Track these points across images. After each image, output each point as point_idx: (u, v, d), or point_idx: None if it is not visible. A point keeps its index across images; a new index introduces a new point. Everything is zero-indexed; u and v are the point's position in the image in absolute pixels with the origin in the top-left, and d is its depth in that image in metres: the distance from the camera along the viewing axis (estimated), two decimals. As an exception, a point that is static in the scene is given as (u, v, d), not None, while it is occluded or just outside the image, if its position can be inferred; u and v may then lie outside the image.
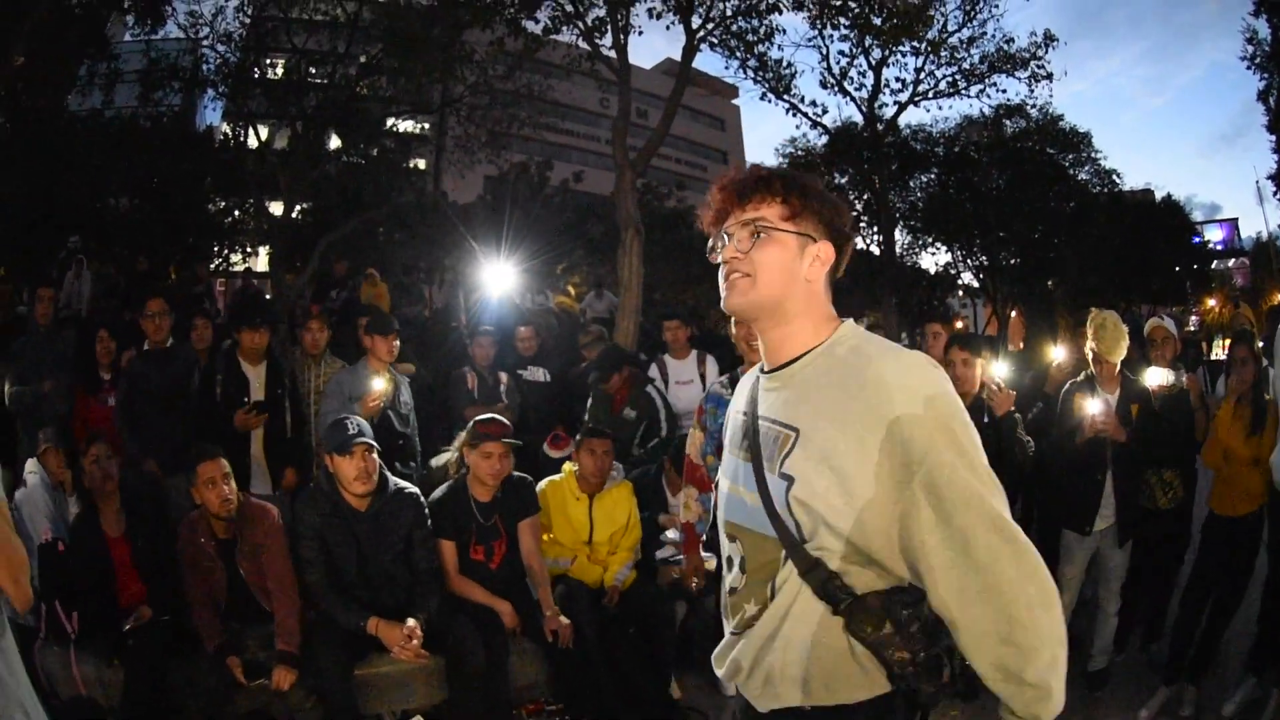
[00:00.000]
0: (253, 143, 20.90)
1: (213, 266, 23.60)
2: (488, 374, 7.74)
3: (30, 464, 5.86)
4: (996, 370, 5.24)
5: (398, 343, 6.70)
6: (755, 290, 2.04)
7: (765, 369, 2.17)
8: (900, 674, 1.94)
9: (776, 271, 2.04)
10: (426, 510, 5.23)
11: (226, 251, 25.55)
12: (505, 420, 5.62)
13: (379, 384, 6.24)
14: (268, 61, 18.70)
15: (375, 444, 5.01)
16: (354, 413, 5.63)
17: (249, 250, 25.79)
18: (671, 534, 6.09)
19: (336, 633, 4.80)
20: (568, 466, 6.03)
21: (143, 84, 18.83)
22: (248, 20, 17.90)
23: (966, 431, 1.89)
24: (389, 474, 5.17)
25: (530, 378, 8.19)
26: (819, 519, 1.92)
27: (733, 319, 2.77)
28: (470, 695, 4.83)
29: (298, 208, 18.92)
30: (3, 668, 2.31)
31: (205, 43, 17.97)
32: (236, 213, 24.71)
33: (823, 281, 2.10)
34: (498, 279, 11.40)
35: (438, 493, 5.46)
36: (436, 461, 6.41)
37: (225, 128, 23.65)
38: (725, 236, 2.10)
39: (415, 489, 5.26)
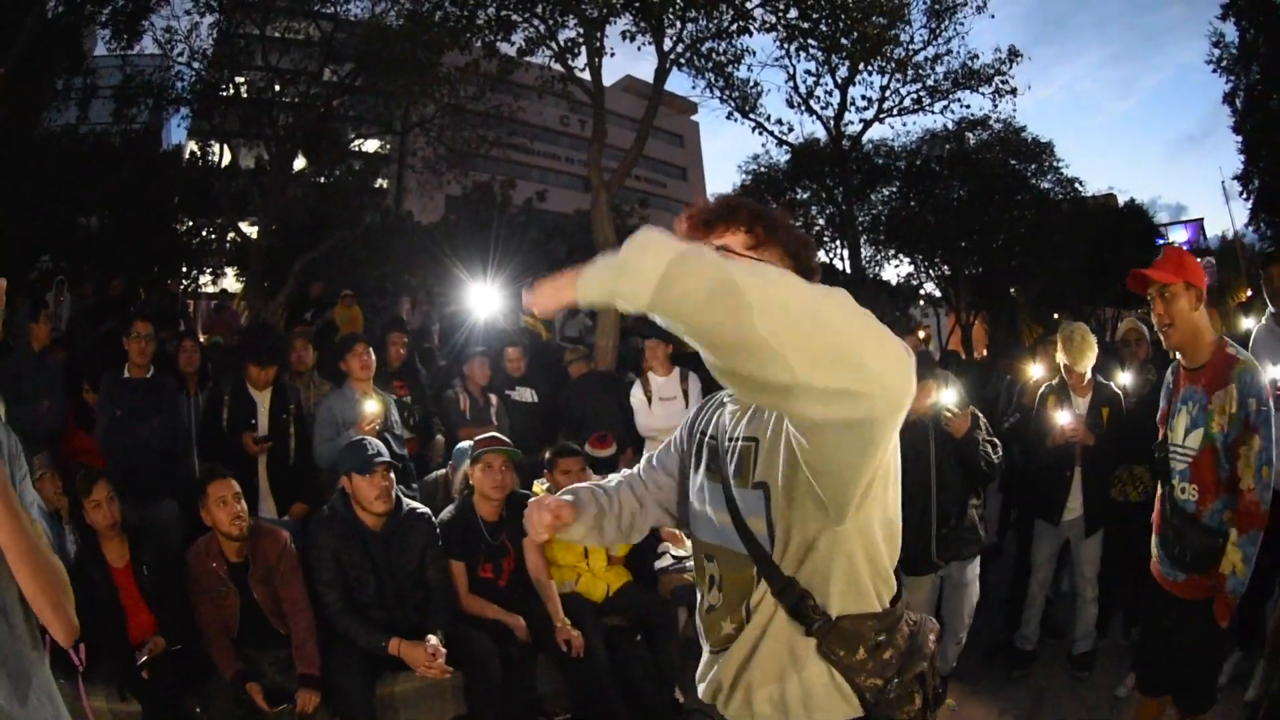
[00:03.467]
0: (220, 161, 20.90)
1: (182, 286, 23.53)
2: (479, 395, 7.84)
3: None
4: (946, 397, 5.45)
5: (371, 355, 6.80)
6: None
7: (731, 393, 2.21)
8: (873, 700, 1.97)
9: None
10: (438, 530, 5.37)
11: (195, 272, 25.45)
12: (503, 436, 5.79)
13: (371, 406, 6.31)
14: (240, 80, 18.58)
15: (395, 463, 5.18)
16: (350, 437, 5.77)
17: (218, 271, 25.64)
18: (672, 548, 6.26)
19: (355, 653, 4.87)
20: (538, 486, 6.00)
21: (117, 100, 18.73)
22: (220, 37, 17.86)
23: None
24: (402, 495, 5.30)
25: (518, 398, 8.28)
26: (791, 526, 1.95)
27: None
28: (489, 709, 4.94)
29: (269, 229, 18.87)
30: (49, 707, 2.21)
31: (180, 60, 17.93)
32: (204, 232, 24.65)
33: None
34: (481, 300, 11.44)
35: (445, 514, 5.59)
36: (429, 478, 6.61)
37: (192, 146, 23.51)
38: None
39: (426, 509, 5.40)
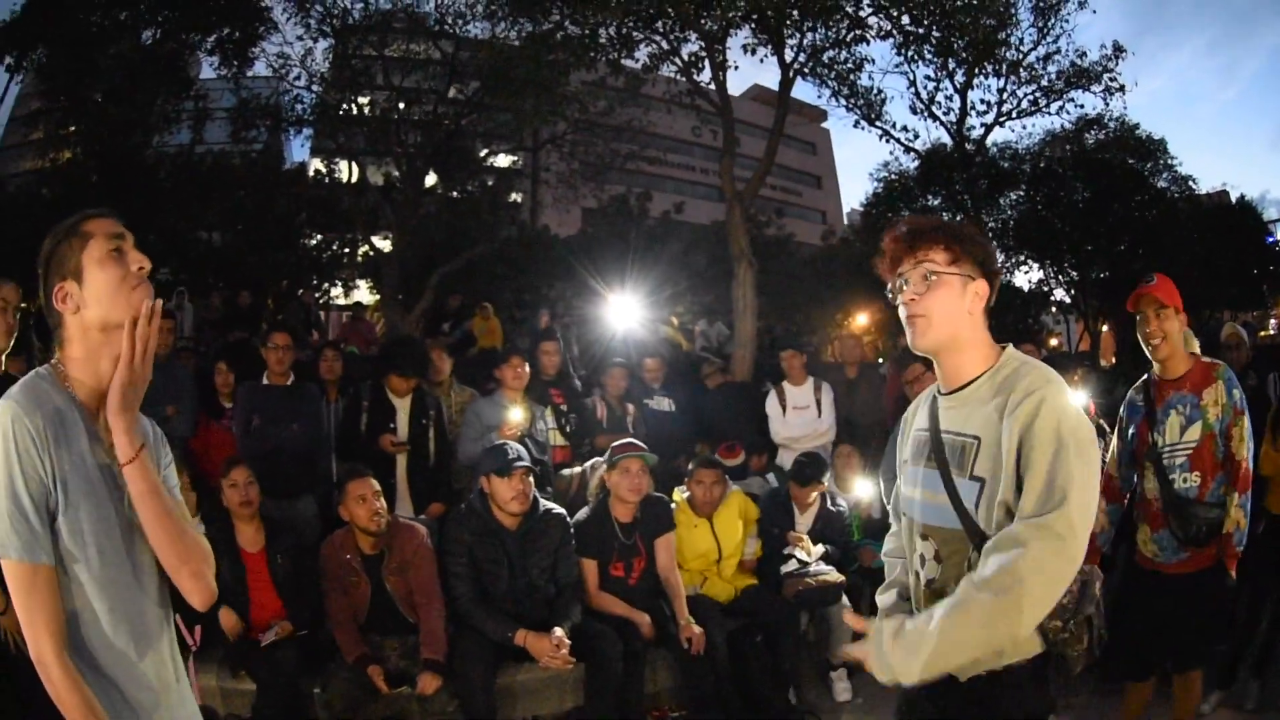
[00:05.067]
0: (345, 178, 21.43)
1: (314, 298, 24.09)
2: (616, 404, 8.01)
3: None
4: (1076, 398, 5.51)
5: (525, 368, 7.08)
6: (933, 330, 2.45)
7: (943, 391, 2.57)
8: (1053, 640, 2.36)
9: (947, 311, 2.43)
10: (572, 530, 5.61)
11: (326, 285, 26.06)
12: (639, 441, 6.01)
13: (516, 414, 6.61)
14: (363, 100, 18.85)
15: (533, 467, 5.42)
16: (493, 441, 6.02)
17: (349, 283, 26.22)
18: (798, 552, 6.38)
19: (480, 642, 5.10)
20: (678, 495, 6.32)
21: (233, 123, 19.15)
22: (337, 60, 18.22)
23: (1066, 419, 2.30)
24: (539, 496, 5.54)
25: (656, 407, 8.40)
26: (996, 507, 2.31)
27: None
28: (606, 701, 5.14)
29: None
30: (173, 678, 2.30)
31: (298, 84, 18.40)
32: (334, 246, 25.34)
33: (981, 312, 2.49)
34: (621, 311, 11.63)
35: (581, 514, 5.85)
36: (565, 473, 6.95)
37: (317, 164, 24.07)
38: (902, 281, 2.48)
39: (562, 510, 5.63)
